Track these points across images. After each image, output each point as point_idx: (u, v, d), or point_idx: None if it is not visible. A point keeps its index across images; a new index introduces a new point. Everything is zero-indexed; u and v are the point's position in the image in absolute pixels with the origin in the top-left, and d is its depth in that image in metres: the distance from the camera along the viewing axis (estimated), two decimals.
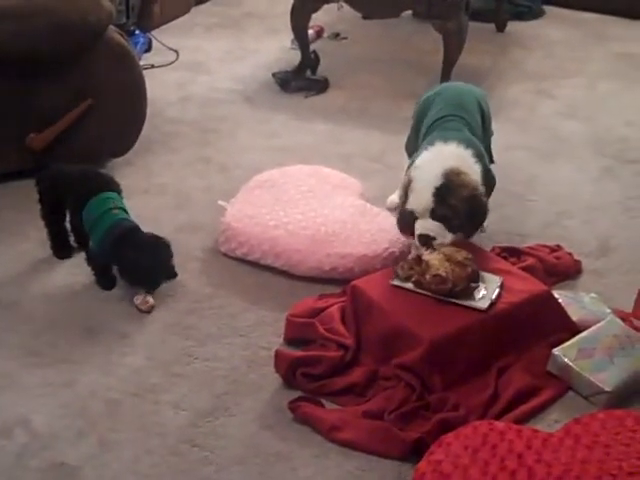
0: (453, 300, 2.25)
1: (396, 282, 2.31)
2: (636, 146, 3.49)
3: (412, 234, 2.39)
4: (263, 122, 3.64)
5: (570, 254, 2.76)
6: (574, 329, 2.34)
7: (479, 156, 2.47)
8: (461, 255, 2.29)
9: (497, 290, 2.29)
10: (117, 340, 2.33)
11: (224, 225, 2.69)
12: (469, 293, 2.25)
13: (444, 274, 2.22)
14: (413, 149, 2.72)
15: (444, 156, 2.37)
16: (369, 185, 3.06)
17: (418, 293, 2.28)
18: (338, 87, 4.00)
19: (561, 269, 2.68)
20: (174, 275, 2.54)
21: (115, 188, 2.61)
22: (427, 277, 2.23)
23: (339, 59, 4.32)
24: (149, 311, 2.42)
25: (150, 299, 2.44)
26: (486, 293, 2.28)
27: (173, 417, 2.07)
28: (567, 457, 1.82)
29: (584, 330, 2.33)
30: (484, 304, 2.24)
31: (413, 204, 2.35)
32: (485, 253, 2.53)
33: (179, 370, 2.23)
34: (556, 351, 2.24)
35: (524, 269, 2.53)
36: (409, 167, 2.49)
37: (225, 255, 2.69)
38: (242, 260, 2.66)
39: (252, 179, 2.92)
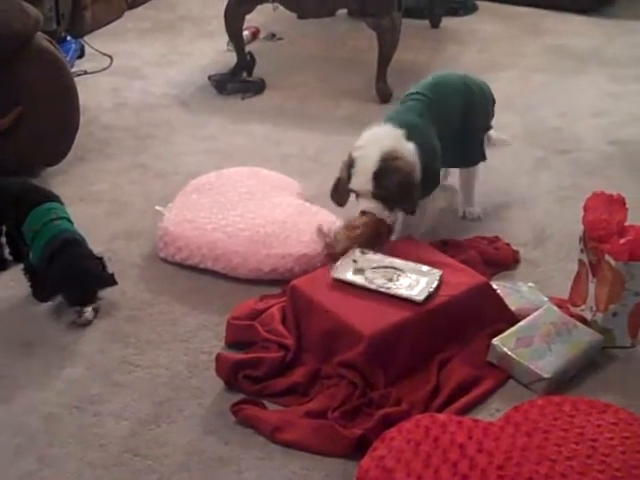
0: (390, 293, 2.27)
1: (337, 275, 2.32)
2: (568, 137, 3.55)
3: (342, 205, 2.63)
4: (200, 126, 3.62)
5: (508, 245, 2.80)
6: (513, 319, 2.36)
7: (412, 136, 2.54)
8: (360, 220, 2.47)
9: (436, 283, 2.31)
10: (55, 353, 2.30)
11: (162, 230, 2.66)
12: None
13: (328, 240, 2.44)
14: None
15: (381, 139, 2.52)
16: (307, 184, 3.06)
17: (358, 287, 2.30)
18: (275, 88, 4.00)
19: (500, 260, 2.72)
20: (113, 283, 2.51)
21: (56, 199, 2.58)
22: None
23: (275, 60, 4.32)
24: (85, 324, 2.39)
25: (88, 312, 2.40)
26: (424, 286, 2.30)
27: (114, 427, 2.04)
28: (508, 445, 1.84)
29: (523, 319, 2.36)
30: (421, 297, 2.26)
31: (355, 185, 2.52)
32: (424, 246, 2.55)
33: (119, 379, 2.20)
34: (495, 341, 2.26)
35: (463, 261, 2.55)
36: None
37: (164, 261, 2.67)
38: (182, 265, 2.64)
39: (189, 183, 2.90)
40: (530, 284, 2.56)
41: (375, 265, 2.40)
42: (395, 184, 2.47)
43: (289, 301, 2.32)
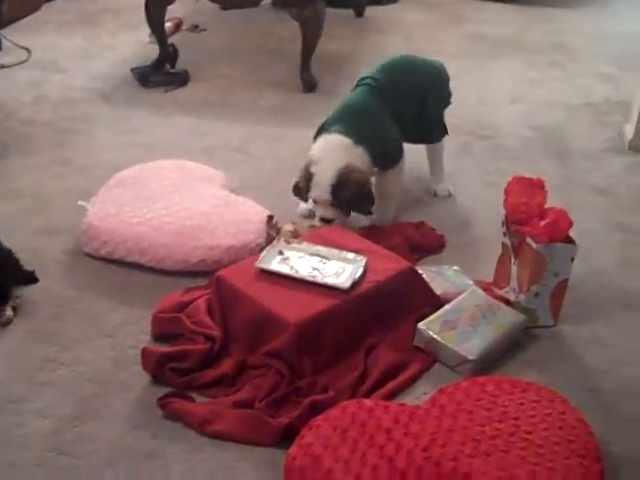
0: (316, 281, 2.28)
1: (262, 264, 2.32)
2: (489, 123, 3.61)
3: (305, 201, 2.80)
4: (122, 119, 3.57)
5: (433, 230, 2.83)
6: (438, 303, 2.40)
7: (360, 137, 2.66)
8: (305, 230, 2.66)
9: (361, 270, 2.32)
10: None
11: (86, 225, 2.62)
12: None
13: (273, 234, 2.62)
14: None
15: (334, 153, 2.66)
16: (233, 176, 3.05)
17: (283, 276, 2.30)
18: (199, 80, 3.97)
19: (425, 245, 2.75)
20: (34, 280, 2.46)
21: None
22: None
23: (199, 51, 4.29)
24: (7, 324, 2.33)
25: (7, 311, 2.35)
26: (349, 273, 2.31)
27: (37, 426, 2.00)
28: (433, 427, 1.86)
29: (448, 303, 2.40)
30: (346, 284, 2.27)
31: (314, 195, 2.68)
32: (349, 234, 2.56)
33: (43, 378, 2.15)
34: (421, 325, 2.29)
35: (389, 248, 2.57)
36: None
37: (89, 256, 2.62)
38: (107, 260, 2.60)
39: (113, 177, 2.86)
40: (455, 268, 2.59)
41: (301, 254, 2.40)
42: (351, 195, 2.64)
43: (215, 292, 2.31)
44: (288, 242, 2.44)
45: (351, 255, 2.39)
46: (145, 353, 2.15)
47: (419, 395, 2.14)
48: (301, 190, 2.76)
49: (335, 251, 2.41)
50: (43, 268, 2.52)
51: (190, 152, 3.24)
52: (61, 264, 2.61)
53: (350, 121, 2.73)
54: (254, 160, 3.28)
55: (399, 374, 2.20)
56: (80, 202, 2.73)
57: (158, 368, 2.12)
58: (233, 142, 3.41)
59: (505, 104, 3.79)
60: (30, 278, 2.47)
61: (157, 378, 2.13)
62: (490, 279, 2.55)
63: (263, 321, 2.19)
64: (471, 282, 2.52)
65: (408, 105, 2.87)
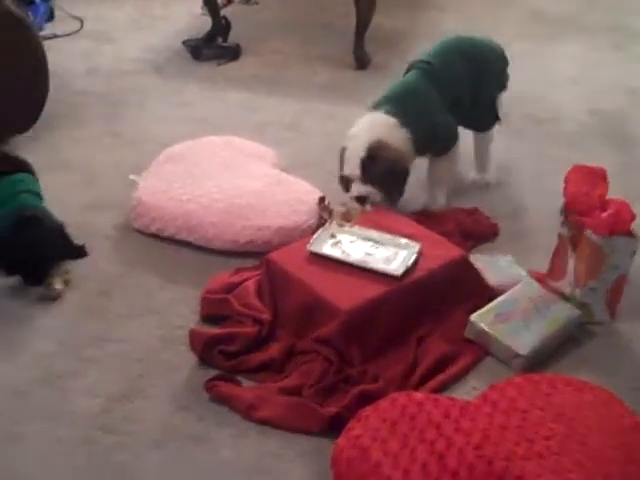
0: (367, 267, 2.23)
1: (314, 248, 2.28)
2: (546, 107, 3.50)
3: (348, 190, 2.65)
4: (174, 92, 3.54)
5: (487, 217, 2.77)
6: (491, 294, 2.34)
7: (406, 120, 2.58)
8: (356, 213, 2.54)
9: (414, 256, 2.27)
10: (23, 327, 2.24)
11: (136, 200, 2.60)
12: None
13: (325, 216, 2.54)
14: None
15: (371, 128, 2.59)
16: (284, 153, 2.99)
17: (334, 261, 2.26)
18: (251, 54, 3.91)
19: (478, 232, 2.69)
20: (84, 254, 2.46)
21: (28, 169, 2.51)
22: None
23: (251, 24, 4.22)
24: (56, 298, 2.33)
25: (57, 285, 2.34)
26: (402, 260, 2.26)
27: (85, 404, 2.00)
28: (485, 424, 1.82)
29: (501, 294, 2.34)
30: (399, 271, 2.22)
31: (346, 171, 2.59)
32: (402, 218, 2.52)
33: (91, 354, 2.15)
34: (473, 317, 2.24)
35: (442, 234, 2.52)
36: None
37: (138, 232, 2.60)
38: (156, 237, 2.58)
39: (163, 152, 2.83)
40: (508, 258, 2.53)
41: (353, 238, 2.36)
42: (381, 171, 2.54)
43: (265, 274, 2.28)
44: (341, 225, 2.40)
45: (404, 241, 2.34)
46: (193, 334, 2.13)
47: (469, 390, 2.09)
48: (341, 176, 2.67)
49: (388, 236, 2.36)
50: (92, 243, 2.52)
51: (241, 128, 3.20)
52: (111, 239, 2.60)
53: (399, 103, 2.66)
54: (305, 138, 3.23)
55: (449, 366, 2.15)
56: (131, 176, 2.71)
57: (206, 350, 2.10)
58: (285, 118, 3.36)
59: (563, 87, 3.68)
60: (80, 252, 2.46)
61: (204, 360, 2.11)
62: (544, 270, 2.48)
63: (313, 306, 2.16)
64: (525, 273, 2.46)
65: (462, 90, 2.77)
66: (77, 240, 2.48)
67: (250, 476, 1.85)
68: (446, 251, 2.35)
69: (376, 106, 2.68)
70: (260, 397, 1.99)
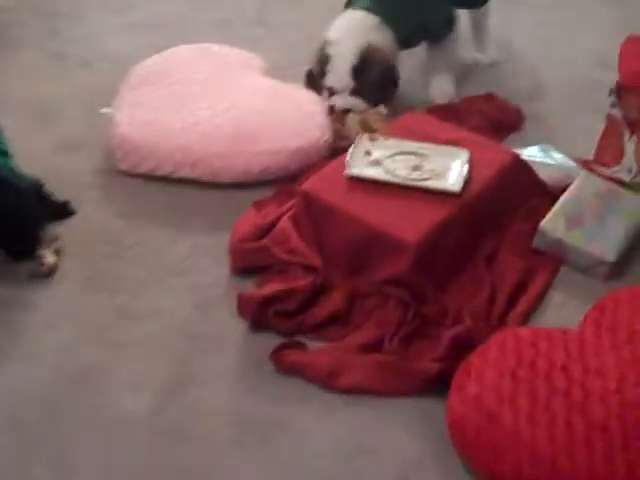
0: (420, 186, 1.92)
1: (353, 171, 1.95)
2: None
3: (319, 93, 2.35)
4: None
5: (507, 102, 2.47)
6: (546, 192, 2.08)
7: (389, 21, 2.32)
8: (376, 118, 2.26)
9: (466, 166, 1.97)
10: (26, 315, 1.84)
11: (118, 137, 2.18)
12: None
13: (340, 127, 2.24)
14: None
15: (357, 30, 2.32)
16: (260, 55, 2.59)
17: (381, 183, 1.94)
18: None
19: (505, 121, 2.41)
20: (70, 212, 2.07)
21: None
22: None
23: None
24: (50, 273, 1.93)
25: (47, 258, 1.94)
26: (457, 173, 1.95)
27: (130, 405, 1.65)
28: (614, 359, 1.57)
29: (557, 192, 2.07)
30: (457, 186, 1.92)
31: (332, 82, 2.31)
32: (434, 121, 2.19)
33: (115, 338, 1.78)
34: (543, 226, 1.97)
35: (472, 130, 2.22)
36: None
37: (127, 174, 2.20)
38: (149, 177, 2.18)
39: (131, 73, 2.38)
40: (549, 147, 2.25)
41: (391, 152, 2.03)
42: (375, 77, 2.30)
43: (303, 211, 1.93)
44: (372, 139, 2.06)
45: (448, 148, 2.02)
46: (243, 298, 1.78)
47: (558, 309, 1.85)
48: (315, 78, 2.37)
49: (430, 145, 2.04)
50: (76, 197, 2.11)
51: (200, 29, 2.81)
52: (97, 188, 2.18)
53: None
54: (276, 33, 2.83)
55: (529, 284, 1.89)
56: (103, 109, 2.27)
57: (260, 314, 1.77)
58: (249, 13, 2.93)
59: None
60: (65, 210, 2.06)
61: (259, 325, 1.78)
62: (585, 155, 2.19)
63: (370, 241, 1.84)
64: (573, 163, 2.19)
65: None
66: (58, 196, 2.08)
67: (351, 459, 1.56)
68: (496, 154, 2.05)
69: (351, 3, 2.38)
70: (339, 361, 1.69)
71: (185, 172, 2.14)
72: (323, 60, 2.31)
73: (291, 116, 2.19)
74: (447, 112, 2.37)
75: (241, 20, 2.89)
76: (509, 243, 1.98)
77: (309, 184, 1.95)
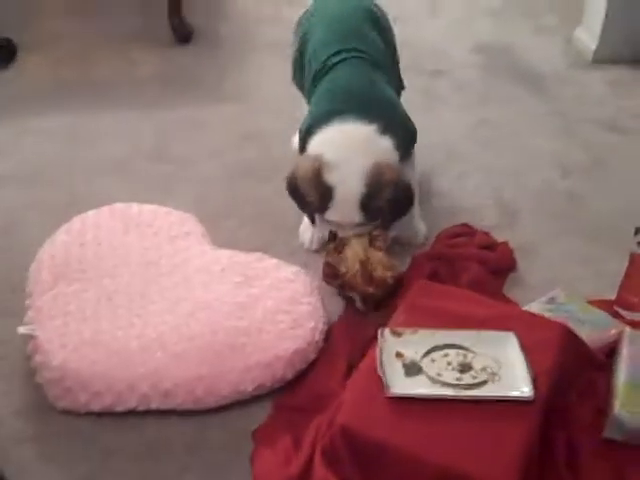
0: (483, 395, 1.52)
1: (396, 390, 1.51)
2: (426, 50, 2.89)
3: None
4: None
5: (487, 234, 2.15)
6: (598, 362, 1.74)
7: (385, 128, 1.95)
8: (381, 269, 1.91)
9: (522, 357, 1.58)
10: None
11: (56, 371, 1.59)
12: None
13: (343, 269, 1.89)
14: (301, 86, 2.22)
15: (357, 150, 1.92)
16: (179, 202, 2.10)
17: (432, 401, 1.51)
18: (32, 49, 2.82)
19: (502, 264, 2.09)
20: None
21: None
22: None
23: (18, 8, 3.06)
24: None
25: None
26: (519, 370, 1.56)
27: None
28: None
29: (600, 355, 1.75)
30: (528, 391, 1.52)
31: (337, 217, 1.95)
32: (453, 293, 1.79)
33: None
34: (620, 413, 1.61)
35: (473, 283, 1.92)
36: (303, 142, 2.00)
37: (70, 413, 1.62)
38: (102, 414, 1.62)
39: (41, 263, 1.80)
40: (561, 294, 1.93)
41: (426, 349, 1.61)
42: (388, 202, 1.93)
43: (345, 453, 1.46)
44: (397, 333, 1.63)
45: (492, 334, 1.63)
46: None
47: None
48: (310, 207, 1.98)
49: (468, 333, 1.64)
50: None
51: (93, 172, 2.28)
52: (28, 441, 1.58)
53: (362, 103, 1.97)
54: (185, 168, 2.34)
55: None
56: (21, 329, 1.67)
57: None
58: (143, 144, 2.42)
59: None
60: None
61: None
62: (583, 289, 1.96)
63: None
64: (604, 314, 1.88)
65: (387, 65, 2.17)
66: None
67: None
68: (545, 331, 1.67)
69: (331, 114, 1.96)
70: None
71: (155, 404, 1.60)
72: (323, 192, 1.90)
73: (271, 305, 1.72)
74: (439, 262, 2.01)
75: (137, 154, 2.37)
76: (581, 437, 1.61)
77: (347, 417, 1.48)
